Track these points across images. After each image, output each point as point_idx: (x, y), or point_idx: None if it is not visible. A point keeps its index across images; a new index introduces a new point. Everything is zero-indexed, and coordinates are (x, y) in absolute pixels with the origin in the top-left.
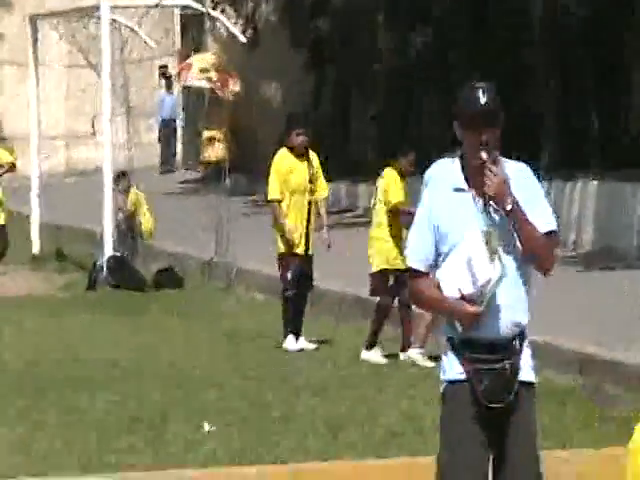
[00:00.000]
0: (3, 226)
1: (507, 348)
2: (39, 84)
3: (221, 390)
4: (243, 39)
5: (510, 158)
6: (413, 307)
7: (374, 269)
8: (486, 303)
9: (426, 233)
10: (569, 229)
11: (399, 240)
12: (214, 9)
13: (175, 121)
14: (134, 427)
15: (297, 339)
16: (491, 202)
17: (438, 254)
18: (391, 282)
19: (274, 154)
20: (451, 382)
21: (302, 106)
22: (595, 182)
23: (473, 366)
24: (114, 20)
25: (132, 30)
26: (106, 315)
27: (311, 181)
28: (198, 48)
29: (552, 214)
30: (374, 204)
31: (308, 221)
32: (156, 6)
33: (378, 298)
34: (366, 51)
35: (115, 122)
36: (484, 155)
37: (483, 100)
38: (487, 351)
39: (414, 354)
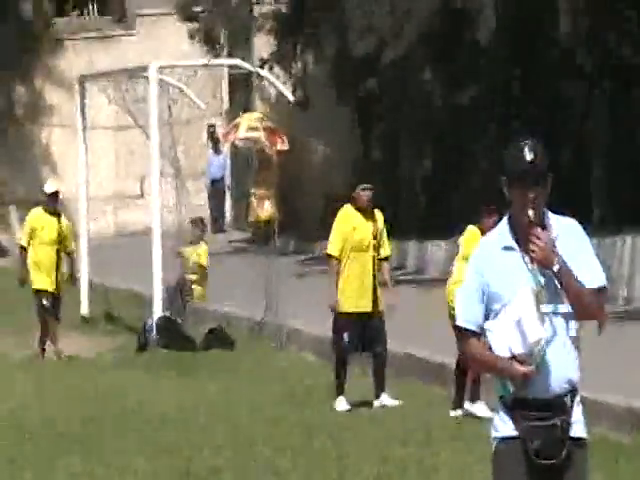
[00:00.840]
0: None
1: (559, 406)
2: (88, 146)
3: (274, 451)
4: (291, 98)
5: (559, 212)
6: None
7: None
8: (537, 363)
9: (476, 293)
10: (620, 284)
11: None
12: (262, 68)
13: (224, 181)
14: None
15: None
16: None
17: (488, 312)
18: None
19: (336, 210)
20: (503, 439)
21: (350, 165)
22: None
23: (525, 423)
24: (162, 80)
25: (180, 91)
26: (155, 376)
27: (375, 238)
28: (246, 108)
29: (601, 269)
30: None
31: (374, 279)
32: (205, 66)
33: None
34: (415, 108)
35: (164, 183)
36: (531, 213)
37: (529, 157)
38: (539, 409)
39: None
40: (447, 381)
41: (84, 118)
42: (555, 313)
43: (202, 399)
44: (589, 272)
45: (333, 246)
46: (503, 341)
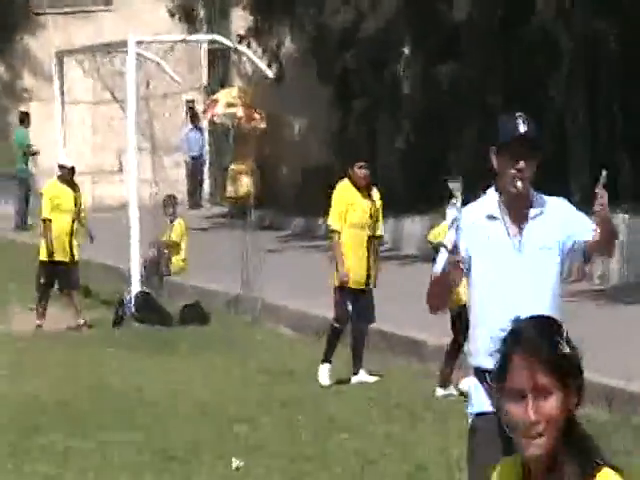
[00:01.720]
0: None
1: None
2: (65, 121)
3: (251, 426)
4: (269, 74)
5: (541, 191)
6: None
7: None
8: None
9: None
10: (597, 263)
11: None
12: (240, 43)
13: (202, 157)
14: (164, 464)
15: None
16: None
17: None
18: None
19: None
20: (479, 415)
21: (328, 141)
22: (626, 216)
23: None
24: (140, 55)
25: (158, 65)
26: (132, 351)
27: (372, 217)
28: (224, 83)
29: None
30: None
31: (369, 257)
32: (182, 41)
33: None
34: (393, 85)
35: (141, 158)
36: (519, 184)
37: (523, 128)
38: None
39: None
40: (425, 357)
41: (62, 93)
42: (540, 287)
43: (178, 374)
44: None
45: (335, 221)
46: None
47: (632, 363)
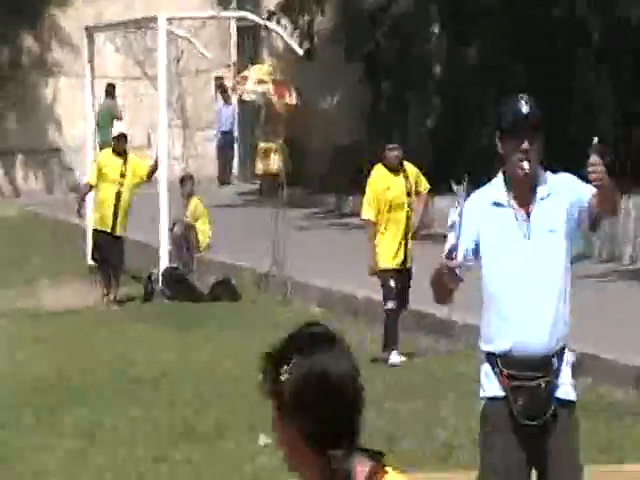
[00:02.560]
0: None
1: (545, 366)
2: (96, 97)
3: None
4: (299, 51)
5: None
6: None
7: None
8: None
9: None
10: (626, 243)
11: None
12: (270, 20)
13: (233, 133)
14: (189, 440)
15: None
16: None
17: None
18: None
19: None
20: (490, 399)
21: (358, 119)
22: None
23: (510, 383)
24: (171, 32)
25: (189, 42)
26: (160, 327)
27: (409, 194)
28: (254, 60)
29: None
30: None
31: (406, 235)
32: (213, 18)
33: None
34: (422, 63)
35: (171, 134)
36: (526, 165)
37: (525, 110)
38: (524, 368)
39: None
40: (453, 336)
41: (92, 68)
42: (547, 268)
43: (206, 350)
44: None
45: (367, 210)
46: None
47: None
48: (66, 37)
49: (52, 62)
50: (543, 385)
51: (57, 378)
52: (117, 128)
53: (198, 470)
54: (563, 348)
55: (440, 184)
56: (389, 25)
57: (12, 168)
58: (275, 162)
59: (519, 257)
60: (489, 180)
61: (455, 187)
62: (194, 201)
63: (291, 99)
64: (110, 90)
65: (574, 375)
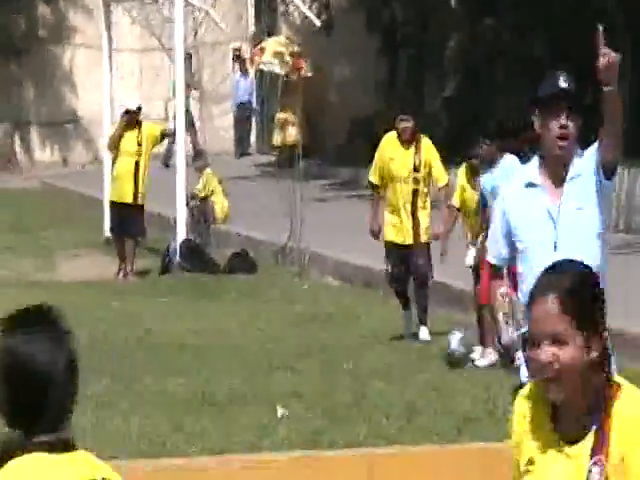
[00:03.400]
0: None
1: None
2: (113, 68)
3: (294, 374)
4: (317, 22)
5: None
6: None
7: None
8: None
9: (500, 229)
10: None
11: None
12: None
13: (250, 104)
14: (206, 410)
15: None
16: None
17: (514, 249)
18: None
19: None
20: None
21: (375, 90)
22: None
23: None
24: (188, 3)
25: (206, 13)
26: (178, 298)
27: (416, 169)
28: (271, 32)
29: None
30: None
31: (414, 211)
32: None
33: None
34: (440, 34)
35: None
36: (563, 144)
37: (564, 84)
38: None
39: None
40: (468, 307)
41: (109, 39)
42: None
43: (223, 321)
44: None
45: (373, 174)
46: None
47: None
48: (83, 7)
49: (68, 32)
50: None
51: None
52: (131, 102)
53: (215, 439)
54: None
55: (455, 156)
56: None
57: (29, 139)
58: (292, 133)
59: (550, 237)
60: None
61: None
62: (205, 174)
63: (308, 70)
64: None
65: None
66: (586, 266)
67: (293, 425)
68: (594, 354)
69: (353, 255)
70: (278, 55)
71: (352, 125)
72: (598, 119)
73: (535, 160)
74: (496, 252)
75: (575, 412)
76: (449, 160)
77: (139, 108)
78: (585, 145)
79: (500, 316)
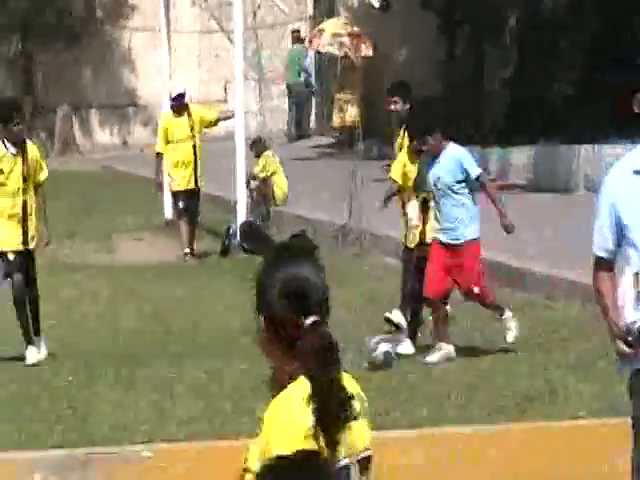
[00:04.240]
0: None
1: None
2: (171, 50)
3: (356, 354)
4: (375, 3)
5: None
6: None
7: None
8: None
9: (606, 219)
10: None
11: None
12: None
13: (309, 86)
14: (267, 392)
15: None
16: None
17: (620, 239)
18: None
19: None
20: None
21: (434, 70)
22: None
23: None
24: None
25: None
26: (238, 280)
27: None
28: (330, 13)
29: None
30: None
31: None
32: None
33: None
34: (497, 13)
35: (248, 88)
36: None
37: None
38: None
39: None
40: (529, 287)
41: (168, 21)
42: None
43: None
44: None
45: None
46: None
47: None
48: None
49: (127, 14)
50: None
51: (135, 333)
52: (175, 87)
53: None
54: None
55: (516, 135)
56: None
57: (88, 122)
58: (351, 114)
59: None
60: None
61: None
62: (265, 156)
63: (367, 50)
64: (297, 36)
65: None
66: None
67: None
68: None
69: None
70: (336, 36)
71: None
72: None
73: None
74: (603, 244)
75: None
76: (510, 141)
77: (181, 95)
78: None
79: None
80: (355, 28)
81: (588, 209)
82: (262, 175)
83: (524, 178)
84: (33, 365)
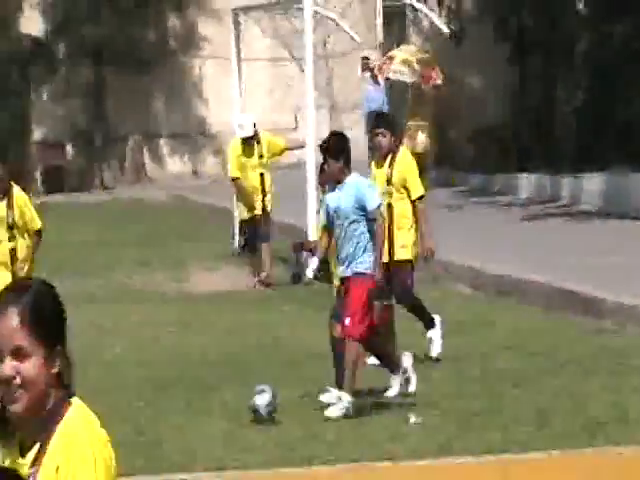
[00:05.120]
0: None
1: None
2: (242, 79)
3: (426, 382)
4: (446, 30)
5: None
6: None
7: None
8: None
9: None
10: None
11: None
12: (417, 1)
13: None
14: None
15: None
16: None
17: None
18: None
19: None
20: None
21: (505, 98)
22: None
23: None
24: (317, 13)
25: (336, 24)
26: (311, 308)
27: (389, 183)
28: (401, 41)
29: None
30: None
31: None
32: None
33: None
34: (568, 37)
35: (318, 116)
36: None
37: None
38: None
39: None
40: (599, 313)
41: (238, 50)
42: None
43: None
44: None
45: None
46: None
47: None
48: (213, 16)
49: (198, 43)
50: None
51: (207, 360)
52: (243, 120)
53: (350, 449)
54: None
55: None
56: (535, 2)
57: (159, 151)
58: (422, 142)
59: None
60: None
61: None
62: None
63: (438, 78)
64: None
65: None
66: (45, 282)
67: (425, 433)
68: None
69: (485, 262)
70: (407, 63)
71: (482, 133)
72: None
73: None
74: None
75: (31, 425)
76: (581, 167)
77: (255, 133)
78: None
79: None
80: (426, 55)
81: None
82: None
83: (595, 204)
84: None
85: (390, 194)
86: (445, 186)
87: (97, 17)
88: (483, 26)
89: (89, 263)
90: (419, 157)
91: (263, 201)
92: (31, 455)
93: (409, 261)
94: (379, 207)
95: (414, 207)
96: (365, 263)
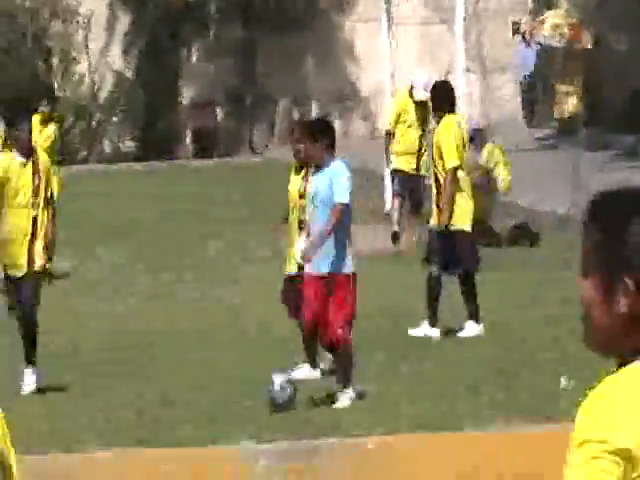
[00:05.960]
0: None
1: None
2: (392, 41)
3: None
4: None
5: None
6: None
7: None
8: None
9: None
10: None
11: None
12: None
13: (532, 76)
14: (496, 379)
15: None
16: None
17: None
18: None
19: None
20: None
21: None
22: None
23: None
24: None
25: None
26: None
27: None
28: (550, 4)
29: None
30: None
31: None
32: None
33: None
34: None
35: (469, 77)
36: None
37: None
38: None
39: None
40: None
41: (389, 11)
42: None
43: (505, 293)
44: None
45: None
46: None
47: None
48: None
49: (349, 4)
50: None
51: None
52: (419, 75)
53: (505, 408)
54: None
55: None
56: None
57: (309, 114)
58: (573, 104)
59: None
60: None
61: None
62: (487, 148)
63: (588, 41)
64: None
65: None
66: None
67: (577, 396)
68: None
69: None
70: (557, 27)
71: (633, 94)
72: None
73: None
74: None
75: None
76: None
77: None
78: None
79: None
80: (575, 19)
81: None
82: (484, 166)
83: None
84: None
85: (435, 165)
86: (595, 148)
87: None
88: None
89: None
90: (570, 120)
91: (418, 161)
92: None
93: (462, 231)
94: (344, 204)
95: (453, 176)
96: (349, 262)
